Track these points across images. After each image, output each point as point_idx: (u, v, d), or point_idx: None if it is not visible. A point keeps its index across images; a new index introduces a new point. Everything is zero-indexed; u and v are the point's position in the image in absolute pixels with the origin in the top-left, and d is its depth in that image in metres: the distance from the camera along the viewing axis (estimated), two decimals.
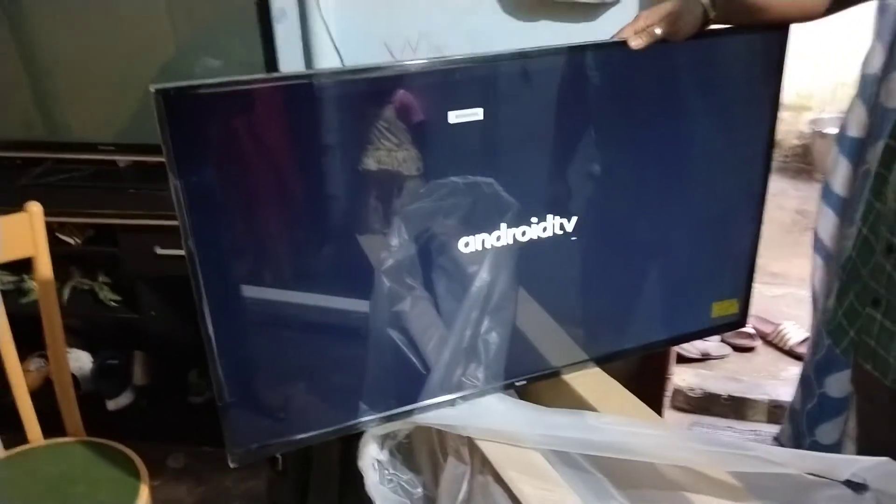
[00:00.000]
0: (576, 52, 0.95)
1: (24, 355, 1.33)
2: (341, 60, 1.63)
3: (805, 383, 1.74)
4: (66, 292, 1.74)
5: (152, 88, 0.75)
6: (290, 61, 1.66)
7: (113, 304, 1.71)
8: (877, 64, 1.41)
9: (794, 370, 2.10)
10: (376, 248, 0.97)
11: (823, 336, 1.66)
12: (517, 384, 1.09)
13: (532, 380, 1.11)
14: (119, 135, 1.68)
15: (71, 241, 1.63)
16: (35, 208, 1.19)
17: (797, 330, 2.19)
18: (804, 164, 3.80)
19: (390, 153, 0.92)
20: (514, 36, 1.65)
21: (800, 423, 1.76)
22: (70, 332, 1.97)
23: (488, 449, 0.98)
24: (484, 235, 0.99)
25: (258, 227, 0.88)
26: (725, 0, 0.96)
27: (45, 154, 1.76)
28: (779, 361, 2.17)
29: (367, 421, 1.03)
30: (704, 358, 2.13)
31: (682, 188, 1.10)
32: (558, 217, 1.02)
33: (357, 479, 1.17)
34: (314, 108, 0.83)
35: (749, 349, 2.21)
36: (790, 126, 3.91)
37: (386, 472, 1.11)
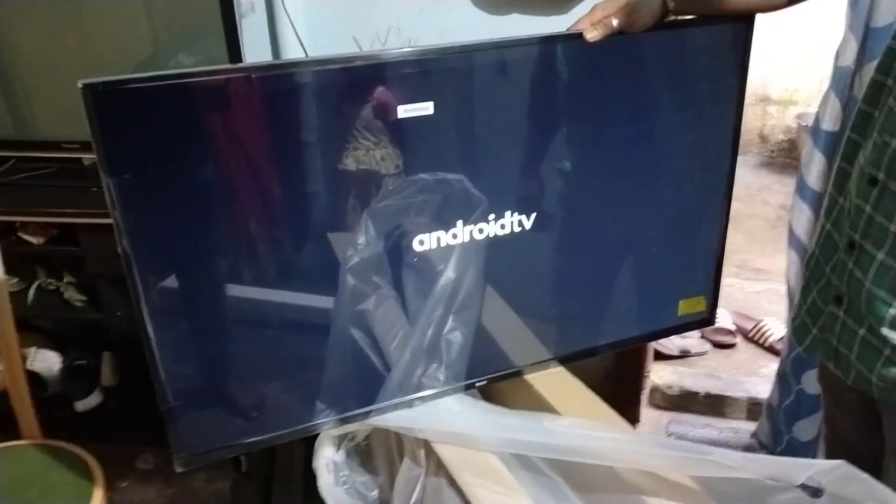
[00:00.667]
0: (530, 45, 0.93)
1: None
2: (306, 54, 1.60)
3: (782, 380, 1.72)
4: (31, 292, 1.71)
5: (80, 83, 0.72)
6: (256, 57, 1.64)
7: (79, 304, 1.68)
8: (850, 56, 1.39)
9: (774, 367, 2.07)
10: (342, 245, 0.95)
11: None
12: (477, 384, 1.07)
13: (493, 380, 1.08)
14: (84, 133, 1.64)
15: (34, 240, 1.60)
16: None
17: (778, 326, 2.17)
18: (790, 158, 3.78)
19: (351, 149, 0.89)
20: (485, 30, 1.62)
21: (777, 420, 1.74)
22: (38, 332, 1.94)
23: (444, 452, 0.96)
24: (448, 232, 0.96)
25: (194, 226, 0.85)
26: None
27: (9, 153, 1.72)
28: (759, 358, 2.15)
29: (320, 423, 1.00)
30: (683, 355, 2.11)
31: (644, 183, 1.07)
32: (519, 214, 0.99)
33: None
34: (248, 101, 0.81)
35: (729, 346, 2.19)
36: (777, 121, 3.89)
37: (341, 473, 1.08)
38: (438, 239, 0.97)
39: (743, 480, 0.81)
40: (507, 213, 0.99)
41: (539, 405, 1.05)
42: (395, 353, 1.02)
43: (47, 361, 1.85)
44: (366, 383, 1.02)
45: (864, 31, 1.36)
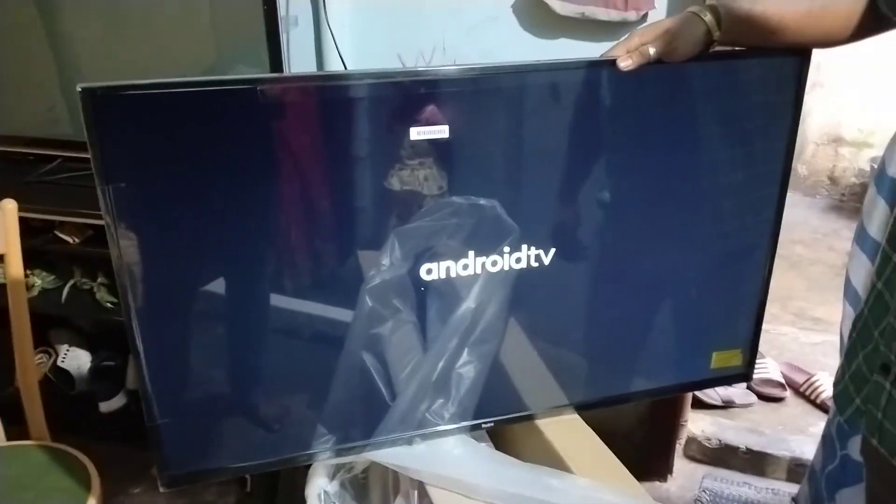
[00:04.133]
0: (559, 71, 0.87)
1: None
2: (344, 64, 1.58)
3: (826, 442, 1.59)
4: (66, 291, 1.72)
5: (79, 87, 0.70)
6: (301, 69, 1.63)
7: (109, 305, 1.68)
8: None
9: (822, 425, 1.94)
10: (365, 264, 0.90)
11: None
12: (484, 426, 1.01)
13: (501, 422, 1.02)
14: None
15: (70, 239, 1.62)
16: (9, 205, 1.17)
17: (830, 380, 2.02)
18: (861, 203, 3.59)
19: (397, 169, 0.86)
20: (531, 53, 1.57)
21: (819, 486, 1.61)
22: (73, 330, 1.97)
23: (437, 496, 0.90)
24: (476, 259, 0.92)
25: (189, 237, 0.82)
26: (733, 19, 0.87)
27: (58, 152, 1.75)
28: (808, 415, 2.01)
29: (314, 453, 0.96)
30: (727, 406, 1.99)
31: (682, 222, 1.00)
32: (551, 246, 0.94)
33: None
34: (254, 114, 0.77)
35: (778, 399, 2.05)
36: (849, 163, 3.71)
37: None
38: (465, 266, 0.92)
39: None
40: (538, 245, 0.93)
41: (547, 455, 0.98)
42: (403, 384, 0.97)
43: (77, 360, 1.86)
44: (367, 414, 0.97)
45: None
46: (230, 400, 0.93)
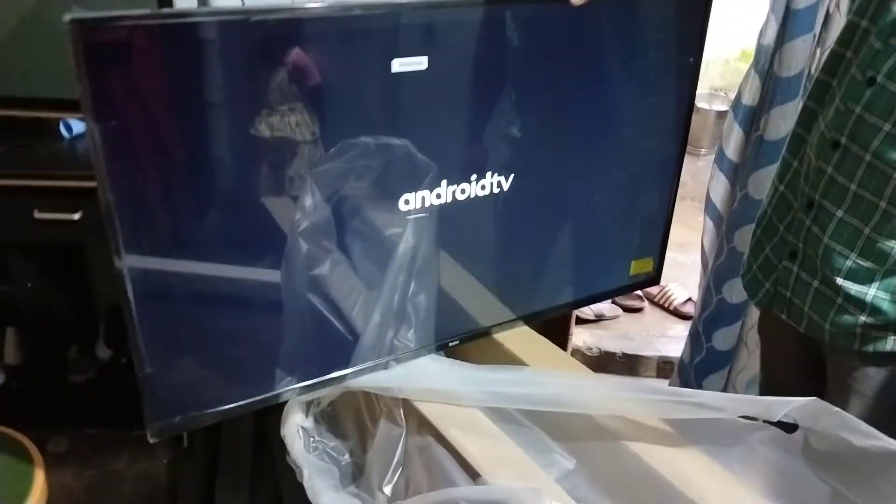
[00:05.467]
0: (504, 4, 0.93)
1: None
2: (242, 2, 1.51)
3: (694, 338, 1.85)
4: None
5: (67, 17, 0.65)
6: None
7: None
8: (770, 35, 1.50)
9: (679, 328, 2.23)
10: (289, 209, 0.91)
11: (713, 293, 1.76)
12: (450, 344, 1.08)
13: (464, 339, 1.10)
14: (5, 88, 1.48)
15: None
16: None
17: (681, 291, 2.32)
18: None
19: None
20: None
21: (688, 376, 1.87)
22: None
23: (427, 409, 0.96)
24: (400, 198, 0.94)
25: (175, 183, 0.79)
26: None
27: None
28: (665, 321, 2.29)
29: (296, 387, 0.98)
30: (599, 319, 2.21)
31: (604, 149, 1.11)
32: (472, 180, 0.99)
33: (272, 452, 1.11)
34: (250, 51, 0.76)
35: (638, 310, 2.32)
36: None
37: (312, 439, 1.06)
38: (391, 204, 0.95)
39: (720, 420, 0.86)
40: (460, 179, 0.98)
41: (510, 361, 1.07)
42: (360, 318, 1.01)
43: None
44: (338, 347, 1.00)
45: (785, 12, 1.47)
46: (207, 348, 0.92)
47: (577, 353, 2.05)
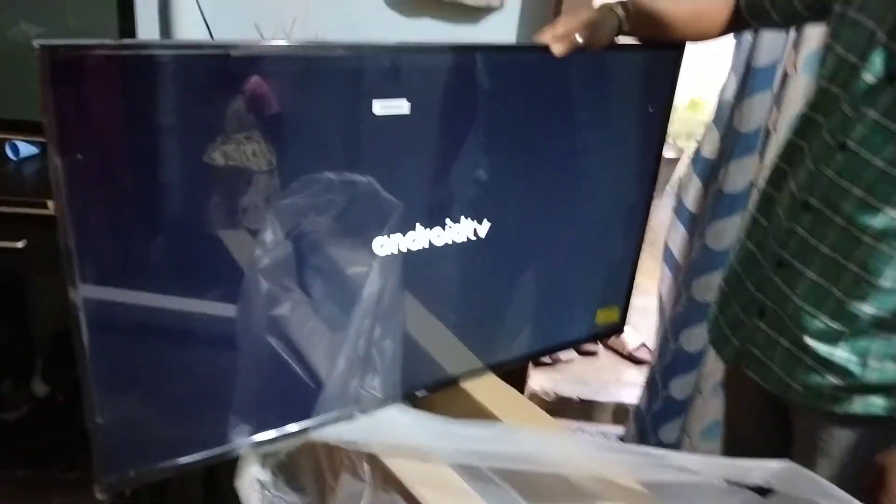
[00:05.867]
0: (487, 52, 0.93)
1: None
2: (210, 33, 1.48)
3: (651, 385, 1.86)
4: None
5: (36, 44, 0.61)
6: (147, 30, 1.49)
7: None
8: (731, 91, 1.54)
9: (633, 373, 2.24)
10: (248, 245, 0.87)
11: (670, 341, 1.78)
12: (419, 395, 1.04)
13: (433, 389, 1.06)
14: None
15: None
16: None
17: (634, 335, 2.34)
18: None
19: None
20: (395, 30, 1.60)
21: (644, 424, 1.88)
22: None
23: (393, 464, 0.92)
24: (377, 237, 0.92)
25: (138, 213, 0.75)
26: (638, 15, 0.98)
27: None
28: (618, 365, 2.30)
29: (258, 441, 0.92)
30: (554, 362, 2.21)
31: (577, 197, 1.11)
32: (450, 222, 0.98)
33: (224, 502, 1.05)
34: (222, 84, 0.73)
35: (592, 353, 2.32)
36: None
37: (267, 493, 1.01)
38: (360, 244, 0.92)
39: (694, 483, 0.85)
40: (431, 223, 0.96)
41: (479, 414, 1.05)
42: (323, 364, 0.97)
43: None
44: (298, 395, 0.96)
45: (745, 70, 1.51)
46: (162, 392, 0.86)
47: (535, 398, 2.03)
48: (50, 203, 1.29)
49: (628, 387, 2.13)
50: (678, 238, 1.74)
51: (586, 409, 2.04)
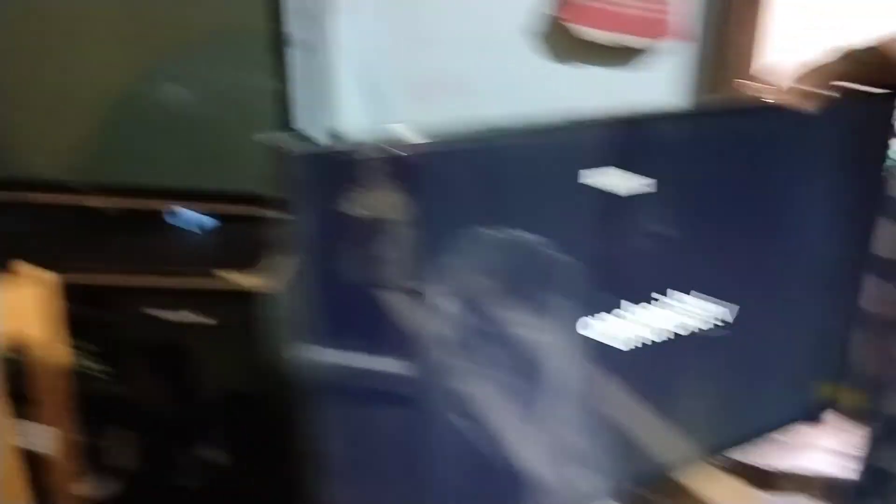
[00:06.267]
0: (734, 115, 0.83)
1: None
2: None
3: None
4: None
5: (281, 146, 0.56)
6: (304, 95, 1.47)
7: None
8: None
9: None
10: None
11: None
12: (635, 490, 0.94)
13: (645, 483, 0.96)
14: (108, 175, 1.43)
15: None
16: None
17: None
18: None
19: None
20: (548, 79, 1.54)
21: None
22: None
23: None
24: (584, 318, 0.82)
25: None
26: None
27: None
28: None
29: None
30: None
31: (814, 269, 0.99)
32: (694, 301, 0.87)
33: None
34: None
35: None
36: None
37: None
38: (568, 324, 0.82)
39: None
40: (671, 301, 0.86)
41: None
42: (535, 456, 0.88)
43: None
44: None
45: None
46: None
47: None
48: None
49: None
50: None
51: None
